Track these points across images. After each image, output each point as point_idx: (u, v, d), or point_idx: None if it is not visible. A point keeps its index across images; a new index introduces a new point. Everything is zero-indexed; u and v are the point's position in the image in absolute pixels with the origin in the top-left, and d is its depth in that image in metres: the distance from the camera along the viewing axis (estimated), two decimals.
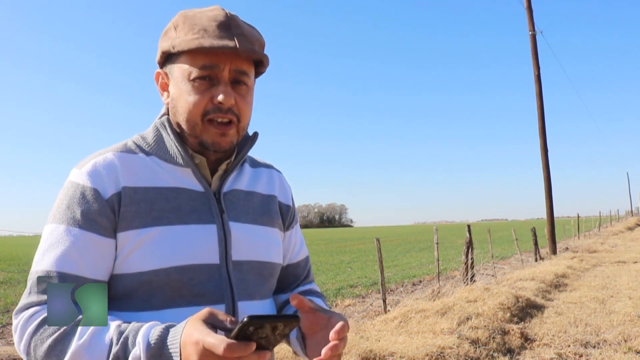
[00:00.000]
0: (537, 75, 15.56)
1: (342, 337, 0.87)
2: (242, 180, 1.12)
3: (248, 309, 1.02)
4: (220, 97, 0.96)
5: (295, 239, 1.22)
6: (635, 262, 12.20)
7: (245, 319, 0.72)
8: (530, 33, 15.81)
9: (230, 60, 0.97)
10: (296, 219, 1.25)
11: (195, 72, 0.97)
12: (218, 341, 0.74)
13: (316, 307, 0.95)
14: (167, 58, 1.03)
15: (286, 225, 1.19)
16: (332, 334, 0.86)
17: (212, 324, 0.81)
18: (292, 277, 1.21)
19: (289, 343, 1.06)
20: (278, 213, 1.16)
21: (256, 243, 1.07)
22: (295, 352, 1.06)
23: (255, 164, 1.19)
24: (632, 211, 61.52)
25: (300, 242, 1.25)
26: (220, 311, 0.84)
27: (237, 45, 0.95)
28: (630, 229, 31.97)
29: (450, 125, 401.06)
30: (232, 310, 1.00)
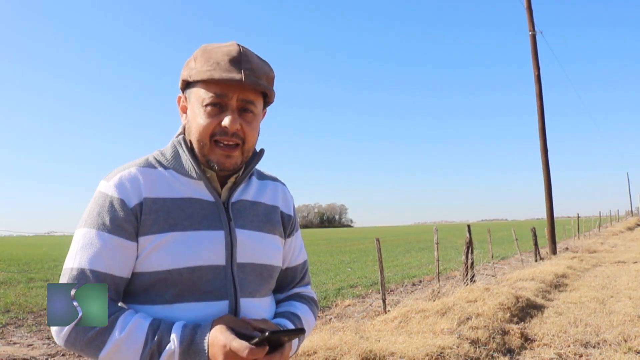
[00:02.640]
0: (537, 76, 15.56)
1: None
2: (250, 192, 1.25)
3: (249, 305, 1.16)
4: (226, 122, 1.10)
5: (295, 245, 1.36)
6: (635, 262, 12.21)
7: (267, 334, 0.97)
8: (530, 33, 15.81)
9: (238, 90, 1.12)
10: (297, 227, 1.38)
11: (207, 99, 1.11)
12: (242, 346, 0.96)
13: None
14: (187, 85, 1.18)
15: (287, 233, 1.32)
16: None
17: (233, 328, 1.02)
18: (289, 279, 1.35)
19: None
20: (280, 222, 1.30)
21: (258, 248, 1.21)
22: None
23: (262, 176, 1.33)
24: (632, 211, 61.53)
25: (300, 248, 1.38)
26: (237, 318, 1.08)
27: (243, 79, 1.09)
28: (630, 229, 31.99)
29: (451, 125, 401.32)
30: (235, 306, 1.13)
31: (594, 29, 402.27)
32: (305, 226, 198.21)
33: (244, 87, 1.11)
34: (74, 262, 1.07)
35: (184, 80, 1.17)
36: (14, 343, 5.70)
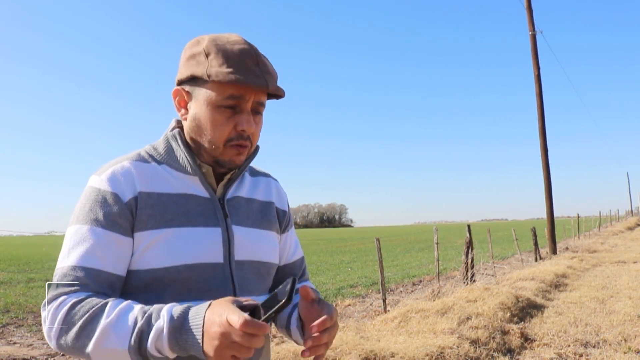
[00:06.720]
0: (537, 75, 15.56)
1: (322, 329, 0.95)
2: (244, 188, 1.23)
3: None
4: (244, 126, 1.07)
5: (290, 241, 1.34)
6: (635, 262, 12.20)
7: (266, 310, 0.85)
8: (530, 33, 15.81)
9: (255, 93, 1.08)
10: (291, 223, 1.36)
11: (222, 101, 1.06)
12: (237, 316, 0.83)
13: (315, 298, 1.05)
14: (195, 80, 1.09)
15: (282, 229, 1.31)
16: (311, 327, 0.95)
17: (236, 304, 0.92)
18: (288, 276, 1.31)
19: (289, 333, 1.17)
20: (275, 218, 1.28)
21: (256, 244, 1.18)
22: (295, 341, 1.16)
23: (254, 172, 1.31)
24: (632, 211, 61.49)
25: (295, 244, 1.36)
26: (241, 297, 0.99)
27: (268, 85, 1.06)
28: (630, 228, 31.95)
29: (450, 125, 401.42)
30: None
31: (594, 29, 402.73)
32: (305, 226, 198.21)
33: (262, 90, 1.07)
34: (66, 260, 1.01)
35: (192, 75, 1.08)
36: (14, 343, 5.70)
